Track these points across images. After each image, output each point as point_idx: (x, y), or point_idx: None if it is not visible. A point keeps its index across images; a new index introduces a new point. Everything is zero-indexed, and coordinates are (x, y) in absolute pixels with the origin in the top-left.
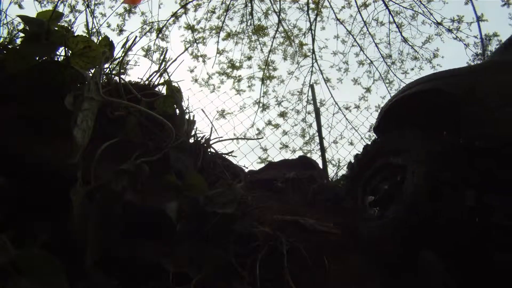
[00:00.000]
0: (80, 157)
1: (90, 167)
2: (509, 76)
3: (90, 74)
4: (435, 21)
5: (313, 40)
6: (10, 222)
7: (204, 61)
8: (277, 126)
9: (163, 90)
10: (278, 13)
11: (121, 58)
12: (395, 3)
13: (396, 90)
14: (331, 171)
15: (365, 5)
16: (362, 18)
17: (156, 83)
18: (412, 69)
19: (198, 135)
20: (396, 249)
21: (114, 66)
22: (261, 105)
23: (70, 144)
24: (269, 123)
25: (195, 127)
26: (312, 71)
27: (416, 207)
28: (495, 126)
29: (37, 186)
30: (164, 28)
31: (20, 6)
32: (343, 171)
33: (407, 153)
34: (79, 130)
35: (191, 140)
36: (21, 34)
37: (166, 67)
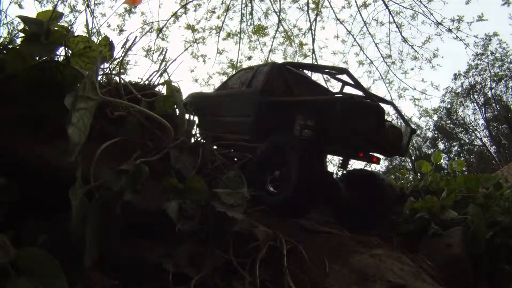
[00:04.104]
0: (78, 156)
1: (89, 167)
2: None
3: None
4: (435, 21)
5: (313, 40)
6: (10, 222)
7: (204, 61)
8: None
9: (163, 90)
10: (278, 13)
11: (121, 58)
12: (395, 3)
13: (396, 90)
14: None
15: (365, 5)
16: (362, 18)
17: (156, 83)
18: (412, 69)
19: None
20: (292, 211)
21: (114, 66)
22: None
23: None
24: None
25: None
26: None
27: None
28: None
29: (37, 186)
30: (164, 28)
31: (20, 6)
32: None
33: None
34: (75, 129)
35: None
36: (21, 34)
37: (166, 67)
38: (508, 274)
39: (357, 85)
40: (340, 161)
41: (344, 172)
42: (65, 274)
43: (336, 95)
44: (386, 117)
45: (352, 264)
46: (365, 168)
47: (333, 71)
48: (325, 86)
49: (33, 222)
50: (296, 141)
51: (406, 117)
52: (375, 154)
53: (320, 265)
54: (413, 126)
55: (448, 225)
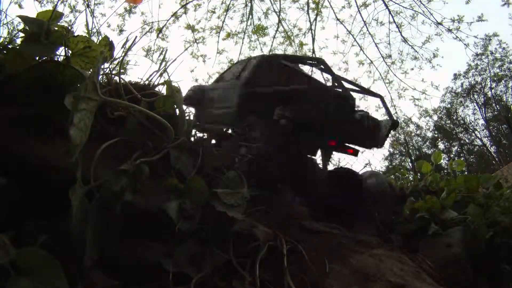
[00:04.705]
0: (79, 157)
1: (89, 167)
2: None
3: (89, 74)
4: (435, 21)
5: (313, 40)
6: (10, 222)
7: (204, 61)
8: None
9: (163, 90)
10: (278, 13)
11: (121, 58)
12: (395, 3)
13: (396, 90)
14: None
15: (365, 5)
16: (362, 18)
17: (156, 83)
18: (412, 69)
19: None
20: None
21: (114, 66)
22: None
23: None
24: None
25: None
26: (312, 71)
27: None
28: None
29: (37, 186)
30: (164, 28)
31: (20, 6)
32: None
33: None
34: (76, 130)
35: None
36: (21, 34)
37: (166, 67)
38: (508, 274)
39: (332, 75)
40: (323, 154)
41: (326, 165)
42: (65, 274)
43: (306, 86)
44: (358, 107)
45: (352, 264)
46: (350, 167)
47: (311, 62)
48: (315, 76)
49: (33, 222)
50: (272, 124)
51: (391, 110)
52: (351, 146)
53: (320, 265)
54: (395, 118)
55: (448, 225)
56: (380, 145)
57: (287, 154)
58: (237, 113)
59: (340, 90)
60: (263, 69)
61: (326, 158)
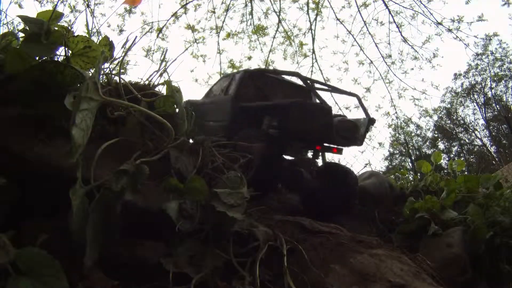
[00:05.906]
0: (80, 157)
1: (90, 167)
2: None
3: (90, 74)
4: (435, 21)
5: (313, 40)
6: (10, 222)
7: (204, 61)
8: None
9: (163, 90)
10: (278, 13)
11: (121, 58)
12: (395, 3)
13: (396, 90)
14: None
15: (365, 5)
16: (362, 18)
17: (156, 83)
18: (412, 69)
19: None
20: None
21: (114, 66)
22: None
23: (70, 144)
24: None
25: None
26: (312, 71)
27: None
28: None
29: (37, 186)
30: (164, 28)
31: (20, 6)
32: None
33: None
34: (78, 130)
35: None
36: (21, 34)
37: (166, 67)
38: (508, 274)
39: (306, 85)
40: (311, 153)
41: (314, 162)
42: (65, 274)
43: (290, 100)
44: (338, 112)
45: (352, 264)
46: (336, 161)
47: (287, 74)
48: (301, 85)
49: (33, 222)
50: (262, 134)
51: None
52: (335, 146)
53: (320, 265)
54: (371, 116)
55: (448, 225)
56: (360, 142)
57: (277, 158)
58: (230, 126)
59: (319, 101)
60: (248, 83)
61: (314, 157)
